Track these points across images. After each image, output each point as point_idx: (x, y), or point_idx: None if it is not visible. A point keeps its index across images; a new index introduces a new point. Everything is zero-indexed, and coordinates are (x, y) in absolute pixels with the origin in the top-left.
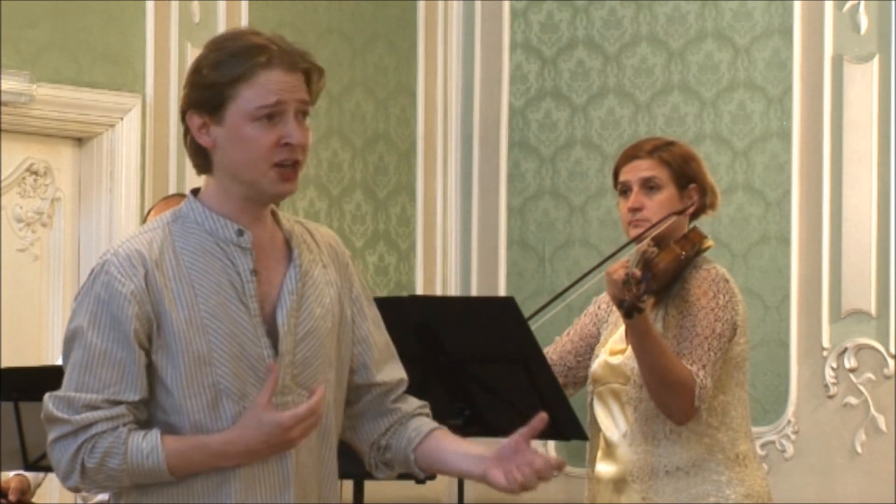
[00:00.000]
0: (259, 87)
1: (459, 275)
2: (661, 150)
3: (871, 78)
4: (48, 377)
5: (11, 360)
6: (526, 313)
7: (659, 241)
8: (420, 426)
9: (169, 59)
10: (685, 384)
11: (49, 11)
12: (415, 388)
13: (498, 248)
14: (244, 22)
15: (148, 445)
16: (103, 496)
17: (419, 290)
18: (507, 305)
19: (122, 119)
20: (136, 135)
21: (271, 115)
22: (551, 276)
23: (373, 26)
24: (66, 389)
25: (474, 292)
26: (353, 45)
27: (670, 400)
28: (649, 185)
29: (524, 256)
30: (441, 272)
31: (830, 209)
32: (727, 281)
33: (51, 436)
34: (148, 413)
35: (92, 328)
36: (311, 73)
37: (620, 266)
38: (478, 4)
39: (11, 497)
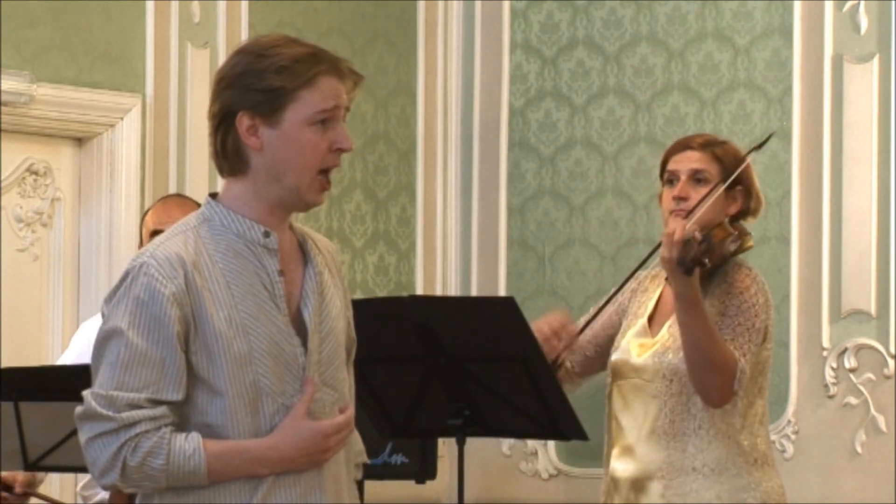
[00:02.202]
0: (320, 92)
1: (459, 275)
2: (713, 145)
3: (871, 78)
4: (48, 377)
5: (11, 360)
6: (525, 313)
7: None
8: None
9: (169, 59)
10: (728, 364)
11: (49, 11)
12: (414, 388)
13: (498, 248)
14: (244, 22)
15: (190, 447)
16: (104, 495)
17: (419, 290)
18: (507, 305)
19: (122, 119)
20: (136, 135)
21: (324, 121)
22: (551, 276)
23: (373, 26)
24: (105, 388)
25: (474, 292)
26: (353, 45)
27: (711, 380)
28: (697, 178)
29: (524, 256)
30: (441, 272)
31: (830, 209)
32: (764, 285)
33: (89, 433)
34: (181, 416)
35: (132, 329)
36: (349, 81)
37: (679, 227)
38: (478, 4)
39: (18, 489)
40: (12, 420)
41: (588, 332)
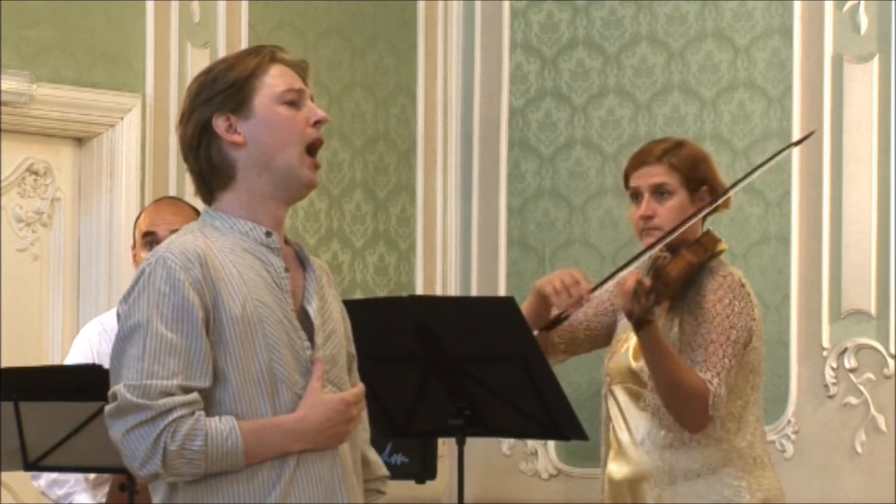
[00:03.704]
0: (278, 75)
1: (459, 275)
2: (670, 154)
3: (871, 78)
4: (48, 377)
5: (11, 359)
6: None
7: (672, 248)
8: None
9: (169, 59)
10: (699, 394)
11: (49, 11)
12: (414, 389)
13: (498, 248)
14: (244, 22)
15: (226, 427)
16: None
17: (419, 290)
18: (507, 305)
19: (122, 119)
20: (136, 135)
21: (293, 102)
22: None
23: (373, 26)
24: (136, 379)
25: (474, 292)
26: (353, 45)
27: (684, 410)
28: (660, 192)
29: (524, 256)
30: (441, 272)
31: (830, 209)
32: (743, 286)
33: (125, 426)
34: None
35: (157, 319)
36: (302, 72)
37: (632, 276)
38: (478, 4)
39: None
40: (12, 420)
41: (581, 314)
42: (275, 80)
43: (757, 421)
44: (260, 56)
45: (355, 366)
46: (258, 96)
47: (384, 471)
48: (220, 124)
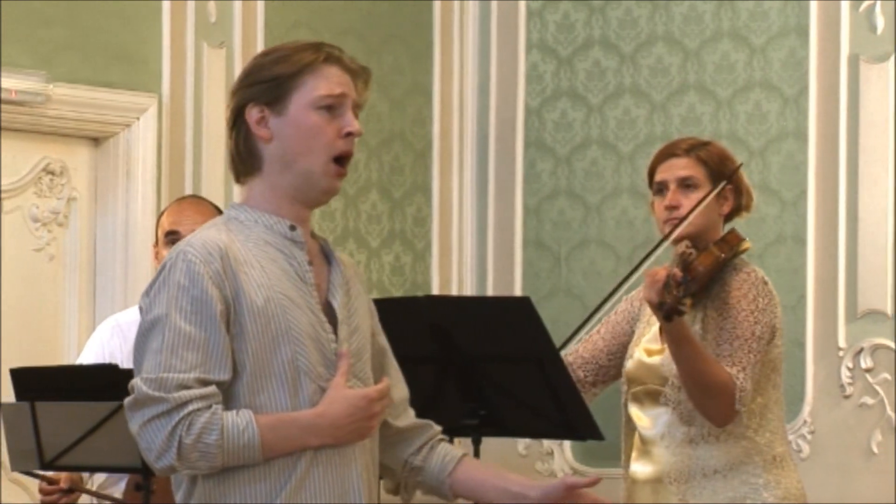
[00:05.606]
0: (324, 78)
1: (475, 275)
2: (697, 148)
3: (887, 78)
4: (64, 377)
5: (27, 360)
6: (541, 313)
7: (697, 244)
8: (449, 451)
9: (185, 59)
10: (725, 387)
11: (65, 11)
12: (429, 388)
13: (514, 248)
14: (260, 22)
15: (243, 421)
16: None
17: (435, 290)
18: (522, 305)
19: (138, 119)
20: (153, 134)
21: (331, 107)
22: (567, 276)
23: (388, 26)
24: (153, 372)
25: (490, 292)
26: (369, 45)
27: (710, 404)
28: (686, 185)
29: (540, 256)
30: (457, 272)
31: (846, 209)
32: (766, 283)
33: (142, 418)
34: (224, 399)
35: (175, 313)
36: (358, 78)
37: (662, 269)
38: (493, 4)
39: (63, 484)
40: (28, 420)
41: (600, 342)
42: (318, 82)
43: (778, 420)
44: (315, 56)
45: (389, 357)
46: (296, 96)
47: (436, 425)
48: (252, 114)
